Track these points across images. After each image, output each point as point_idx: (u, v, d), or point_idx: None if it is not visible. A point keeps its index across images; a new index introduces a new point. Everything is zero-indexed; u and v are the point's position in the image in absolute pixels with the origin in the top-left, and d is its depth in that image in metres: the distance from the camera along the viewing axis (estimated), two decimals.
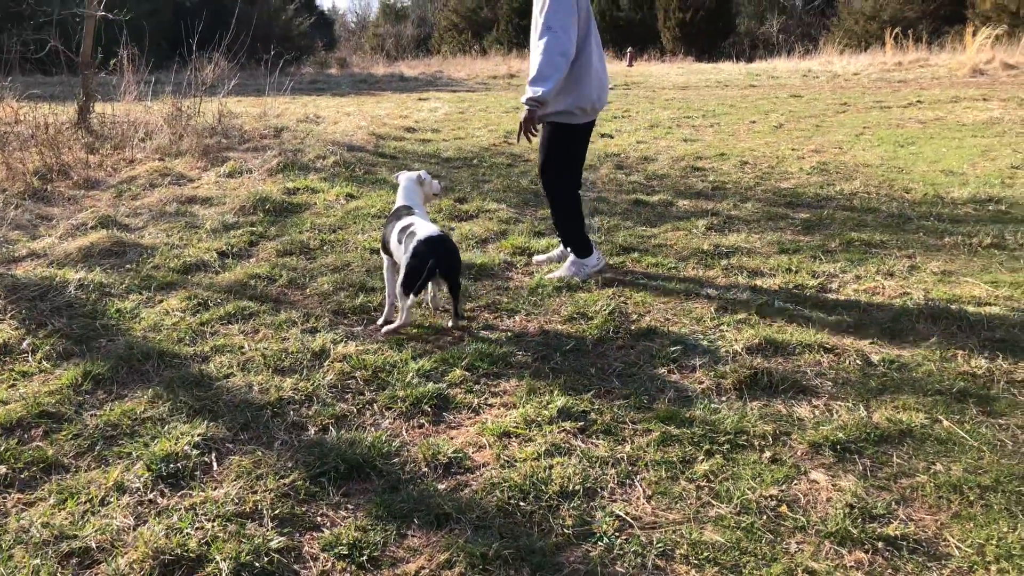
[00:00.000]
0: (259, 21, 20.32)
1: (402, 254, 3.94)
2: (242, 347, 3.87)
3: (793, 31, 33.00)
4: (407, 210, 4.26)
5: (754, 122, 12.19)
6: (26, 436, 3.09)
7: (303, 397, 3.37)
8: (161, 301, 4.50)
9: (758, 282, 4.73)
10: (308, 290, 4.69)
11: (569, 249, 4.85)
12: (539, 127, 4.60)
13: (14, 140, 8.07)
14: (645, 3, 35.67)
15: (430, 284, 4.05)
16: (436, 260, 3.82)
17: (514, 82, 22.28)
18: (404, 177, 4.51)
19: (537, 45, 4.36)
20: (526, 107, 4.42)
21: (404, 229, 4.02)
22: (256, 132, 10.32)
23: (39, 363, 3.73)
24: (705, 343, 3.84)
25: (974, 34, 21.13)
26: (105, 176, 7.85)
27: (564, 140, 4.65)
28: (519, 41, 34.61)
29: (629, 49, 30.25)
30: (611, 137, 10.87)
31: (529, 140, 4.55)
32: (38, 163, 7.76)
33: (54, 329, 4.06)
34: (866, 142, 9.94)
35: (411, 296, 3.89)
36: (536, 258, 5.23)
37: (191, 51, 10.25)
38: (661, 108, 14.44)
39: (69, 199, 6.98)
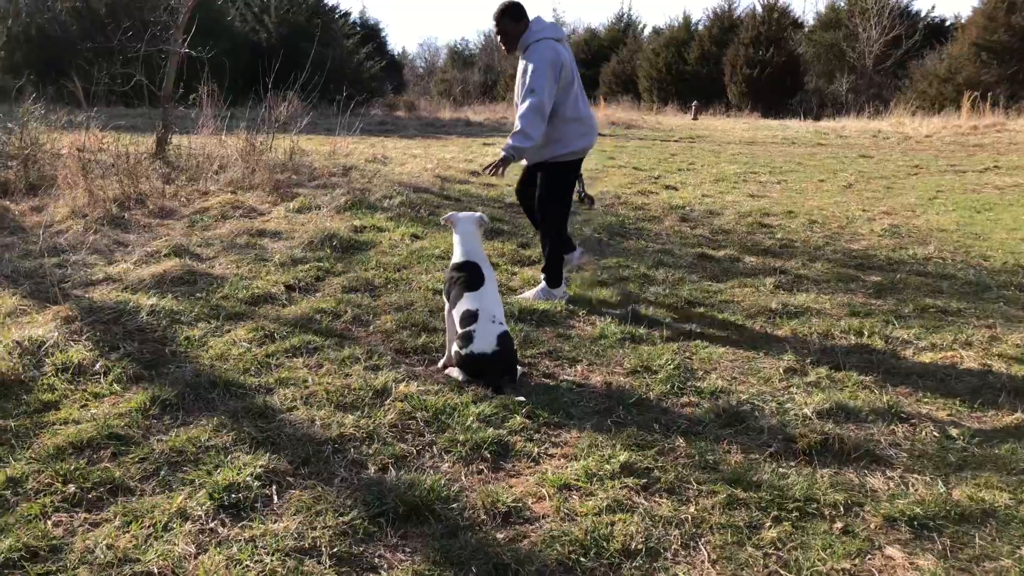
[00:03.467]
0: (332, 63, 20.94)
1: (458, 336, 3.95)
2: (306, 381, 3.89)
3: (863, 91, 32.62)
4: (474, 272, 4.08)
5: (823, 181, 12.03)
6: (95, 457, 3.14)
7: (364, 435, 3.36)
8: (229, 331, 4.57)
9: (828, 344, 4.60)
10: (372, 327, 4.72)
11: (543, 276, 5.41)
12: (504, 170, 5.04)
13: (97, 168, 8.39)
14: (711, 58, 35.75)
15: None
16: (491, 379, 3.85)
17: None
18: (464, 222, 4.32)
19: (521, 105, 5.00)
20: (502, 152, 4.96)
21: (468, 314, 3.93)
22: (325, 170, 10.54)
23: (110, 385, 3.80)
24: (773, 405, 3.74)
25: None
26: (179, 206, 8.08)
27: (558, 175, 5.27)
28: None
29: (694, 102, 30.33)
30: (675, 189, 10.83)
31: (496, 175, 4.99)
32: (117, 191, 8.03)
33: (126, 352, 4.15)
34: (940, 206, 9.72)
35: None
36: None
37: (266, 89, 10.58)
38: (727, 162, 14.37)
39: (144, 227, 7.20)
